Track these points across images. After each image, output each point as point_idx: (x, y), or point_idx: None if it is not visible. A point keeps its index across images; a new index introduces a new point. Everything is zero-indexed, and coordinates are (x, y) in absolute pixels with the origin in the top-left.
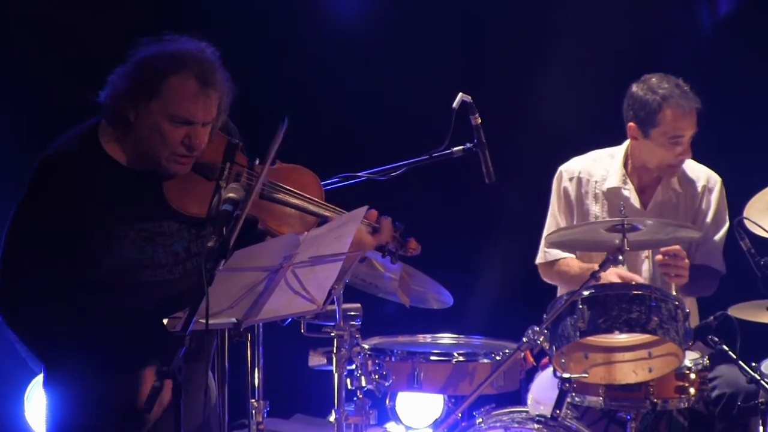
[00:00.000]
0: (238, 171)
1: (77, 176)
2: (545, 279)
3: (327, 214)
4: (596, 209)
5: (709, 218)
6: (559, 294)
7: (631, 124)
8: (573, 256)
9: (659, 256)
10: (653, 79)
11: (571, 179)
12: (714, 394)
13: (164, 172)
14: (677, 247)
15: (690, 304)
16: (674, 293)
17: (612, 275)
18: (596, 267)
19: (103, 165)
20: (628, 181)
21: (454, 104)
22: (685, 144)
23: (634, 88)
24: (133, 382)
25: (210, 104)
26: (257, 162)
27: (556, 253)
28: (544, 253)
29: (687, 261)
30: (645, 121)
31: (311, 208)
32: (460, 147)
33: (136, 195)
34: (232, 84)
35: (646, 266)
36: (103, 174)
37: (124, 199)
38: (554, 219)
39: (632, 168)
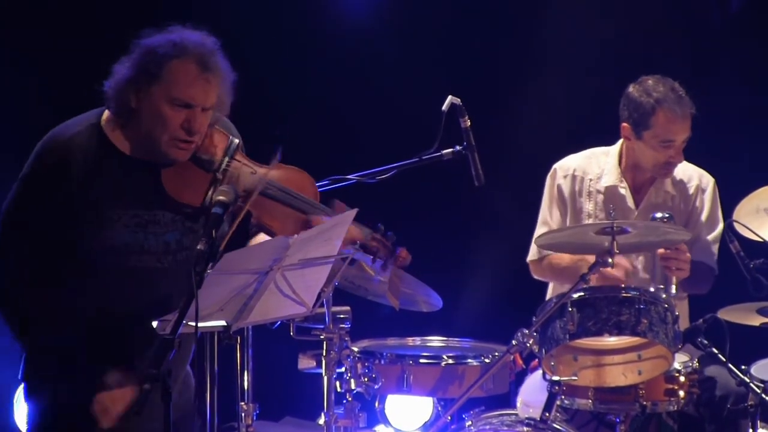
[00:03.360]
0: (237, 167)
1: (75, 157)
2: (537, 276)
3: (320, 214)
4: (590, 207)
5: (703, 218)
6: (548, 296)
7: (624, 124)
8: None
9: (661, 250)
10: (649, 81)
11: (565, 176)
12: (704, 396)
13: (164, 158)
14: None
15: (681, 307)
16: (674, 288)
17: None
18: (587, 258)
19: (103, 150)
20: (623, 179)
21: (444, 107)
22: (677, 147)
23: (631, 88)
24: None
25: (210, 89)
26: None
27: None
28: (536, 250)
29: (688, 255)
30: (638, 122)
31: (305, 207)
32: (450, 150)
33: (133, 182)
34: (233, 74)
35: (640, 262)
36: (102, 158)
37: (121, 184)
38: (546, 216)
39: (626, 167)
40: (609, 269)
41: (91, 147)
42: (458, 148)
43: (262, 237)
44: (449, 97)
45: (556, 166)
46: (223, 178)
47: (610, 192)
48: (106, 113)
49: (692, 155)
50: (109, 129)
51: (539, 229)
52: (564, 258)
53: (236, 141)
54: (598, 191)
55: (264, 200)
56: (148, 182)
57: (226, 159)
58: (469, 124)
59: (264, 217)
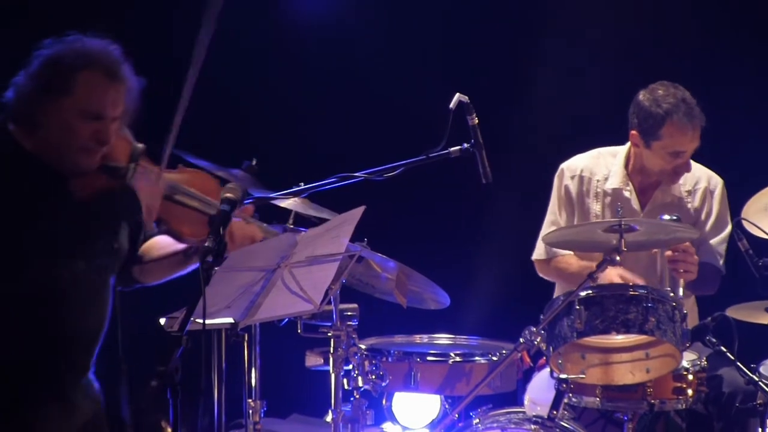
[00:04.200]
0: (143, 171)
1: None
2: (541, 275)
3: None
4: (597, 208)
5: (711, 221)
6: (556, 294)
7: (633, 131)
8: (572, 252)
9: (668, 252)
10: (660, 91)
11: (572, 177)
12: (712, 395)
13: (73, 167)
14: (687, 243)
15: (690, 305)
16: (681, 290)
17: (614, 276)
18: (594, 265)
19: (10, 149)
20: (629, 182)
21: (452, 104)
22: (685, 158)
23: (641, 96)
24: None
25: (118, 99)
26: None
27: (555, 250)
28: (544, 249)
29: (696, 257)
30: (647, 132)
31: (208, 210)
32: (457, 147)
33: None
34: (138, 80)
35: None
36: (10, 159)
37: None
38: (554, 216)
39: (633, 169)
40: (621, 272)
41: (9, 155)
42: (466, 145)
43: (155, 243)
44: (457, 94)
45: (564, 166)
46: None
47: (615, 194)
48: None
49: (700, 153)
50: (14, 131)
51: (546, 229)
52: (572, 264)
53: (140, 146)
54: (606, 192)
55: (172, 206)
56: (56, 191)
57: (132, 165)
58: (477, 121)
59: (173, 222)
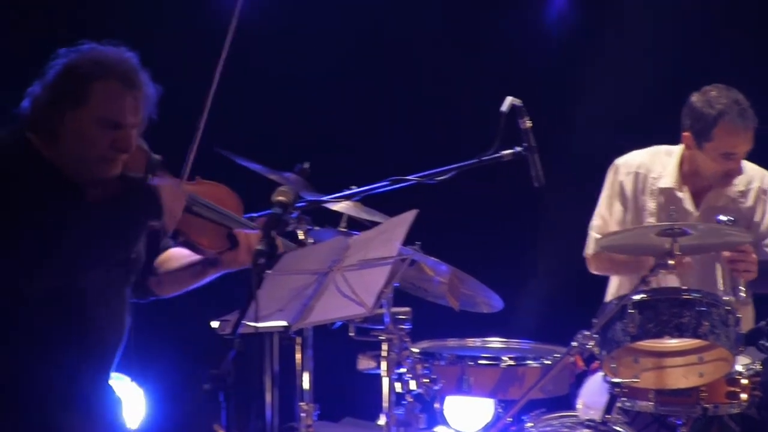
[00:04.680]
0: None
1: (6, 165)
2: (593, 270)
3: (243, 228)
4: (652, 206)
5: (766, 220)
6: (608, 298)
7: (686, 133)
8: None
9: (727, 253)
10: (713, 92)
11: (628, 174)
12: (766, 399)
13: (93, 177)
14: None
15: (745, 312)
16: (743, 290)
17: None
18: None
19: (33, 162)
20: (683, 183)
21: (504, 107)
22: (737, 160)
23: (694, 98)
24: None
25: (137, 106)
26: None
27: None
28: (595, 244)
29: (755, 256)
30: (699, 133)
31: (228, 222)
32: (510, 150)
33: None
34: (155, 87)
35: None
36: (32, 169)
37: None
38: (604, 210)
39: (688, 170)
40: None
41: (20, 156)
42: (518, 149)
43: (171, 255)
44: (509, 98)
45: (619, 162)
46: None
47: (669, 194)
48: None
49: (753, 152)
50: (33, 139)
51: (595, 221)
52: None
53: (157, 157)
54: (660, 191)
55: (191, 217)
56: (74, 199)
57: (149, 176)
58: (530, 124)
59: (192, 233)
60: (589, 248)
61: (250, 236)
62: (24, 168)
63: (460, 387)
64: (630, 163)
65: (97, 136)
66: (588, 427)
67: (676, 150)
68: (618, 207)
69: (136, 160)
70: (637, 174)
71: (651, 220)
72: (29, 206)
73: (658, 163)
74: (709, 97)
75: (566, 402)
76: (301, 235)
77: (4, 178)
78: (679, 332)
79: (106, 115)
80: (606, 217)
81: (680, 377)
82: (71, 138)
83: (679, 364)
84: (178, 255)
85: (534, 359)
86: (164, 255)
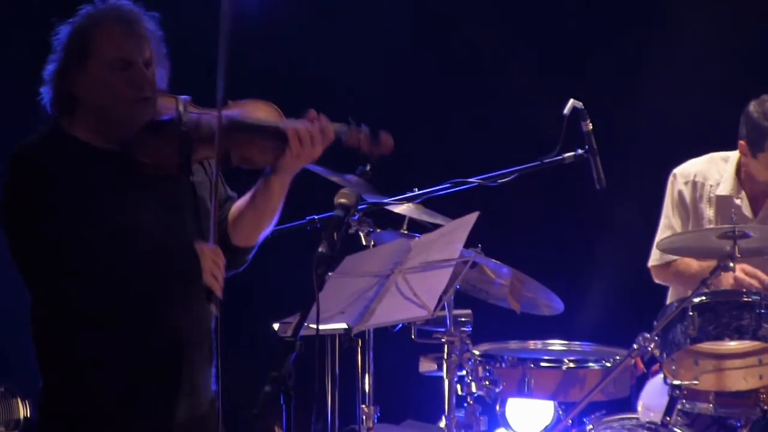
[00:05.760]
0: (195, 117)
1: (47, 159)
2: (658, 281)
3: (285, 125)
4: (710, 213)
5: None
6: (669, 300)
7: (742, 141)
8: None
9: None
10: None
11: (686, 183)
12: None
13: (128, 126)
14: None
15: None
16: None
17: (738, 270)
18: (715, 264)
19: (72, 148)
20: (741, 189)
21: (566, 110)
22: None
23: (751, 107)
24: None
25: (141, 42)
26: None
27: (671, 255)
28: (660, 255)
29: None
30: (754, 142)
31: (270, 125)
32: (572, 153)
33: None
34: (156, 18)
35: None
36: (75, 156)
37: (96, 175)
38: (668, 221)
39: (745, 176)
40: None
41: (58, 145)
42: (580, 151)
43: (238, 205)
44: (571, 100)
45: (677, 171)
46: (189, 131)
47: (726, 200)
48: (57, 117)
49: None
50: (66, 126)
51: (662, 233)
52: (692, 265)
53: (185, 97)
54: (718, 198)
55: (233, 135)
56: (120, 169)
57: (183, 112)
58: (591, 127)
59: (240, 149)
60: (654, 259)
61: (299, 128)
62: (68, 157)
63: (521, 389)
64: (687, 171)
65: (112, 81)
66: (648, 429)
67: (733, 156)
68: (679, 216)
69: (166, 107)
70: (694, 183)
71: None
72: (92, 197)
73: (714, 171)
74: (765, 108)
75: (627, 404)
76: (363, 238)
77: (47, 175)
78: (739, 334)
79: (113, 56)
80: (671, 226)
81: (740, 379)
82: (91, 95)
83: (739, 366)
84: (243, 198)
85: (595, 361)
86: (232, 209)
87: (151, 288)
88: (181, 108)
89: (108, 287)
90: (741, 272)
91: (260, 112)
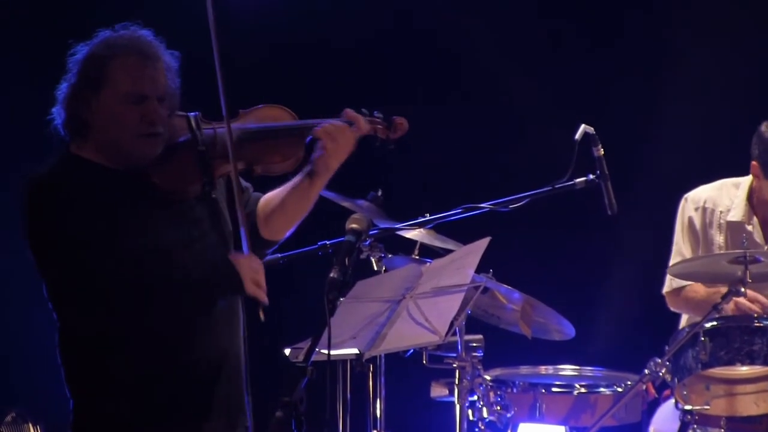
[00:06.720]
0: (210, 133)
1: (62, 187)
2: (672, 308)
3: (301, 126)
4: (720, 240)
5: None
6: (681, 326)
7: (754, 162)
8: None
9: None
10: None
11: (696, 209)
12: None
13: (136, 158)
14: None
15: None
16: None
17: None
18: (722, 290)
19: (85, 171)
20: (752, 215)
21: (577, 135)
22: None
23: (763, 127)
24: None
25: (157, 77)
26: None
27: (682, 280)
28: (671, 281)
29: None
30: (766, 164)
31: (291, 130)
32: (583, 178)
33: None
34: (175, 55)
35: None
36: (88, 178)
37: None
38: (678, 248)
39: (757, 201)
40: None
41: (72, 172)
42: (591, 176)
43: (269, 197)
44: (582, 125)
45: (688, 196)
46: (207, 149)
47: (737, 226)
48: (68, 142)
49: None
50: (78, 150)
51: (673, 260)
52: (699, 291)
53: (195, 113)
54: (728, 224)
55: (251, 145)
56: (137, 189)
57: (197, 130)
58: (603, 152)
59: (262, 158)
60: (667, 286)
61: (326, 127)
62: (86, 182)
63: (533, 414)
64: (697, 197)
65: (125, 113)
66: None
67: (745, 181)
68: (689, 242)
69: (178, 127)
70: (704, 209)
71: None
72: (114, 219)
73: (725, 197)
74: None
75: (638, 429)
76: (374, 263)
77: (67, 199)
78: (751, 360)
79: (129, 90)
80: (681, 253)
81: (751, 404)
82: (104, 123)
83: (751, 391)
84: (274, 193)
85: (606, 386)
86: (261, 202)
87: (194, 308)
88: (194, 126)
89: (145, 311)
90: (742, 297)
91: (276, 118)
